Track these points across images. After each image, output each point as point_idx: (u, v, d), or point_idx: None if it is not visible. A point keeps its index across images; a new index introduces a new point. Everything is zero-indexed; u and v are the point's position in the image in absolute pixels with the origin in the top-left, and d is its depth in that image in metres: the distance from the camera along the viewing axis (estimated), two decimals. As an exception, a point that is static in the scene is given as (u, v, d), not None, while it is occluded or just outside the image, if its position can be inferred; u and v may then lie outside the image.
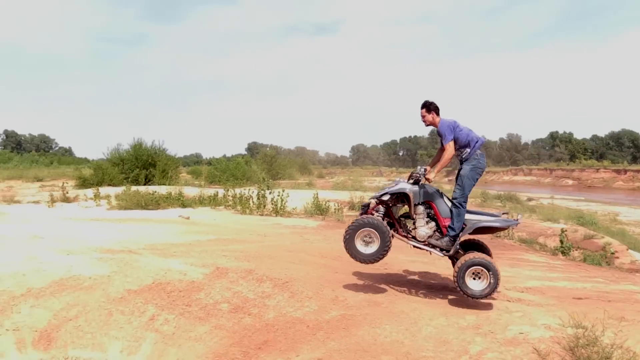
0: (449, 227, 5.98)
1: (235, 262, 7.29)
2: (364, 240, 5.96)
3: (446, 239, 6.01)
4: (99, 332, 4.56)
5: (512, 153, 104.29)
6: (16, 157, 71.07)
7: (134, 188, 17.79)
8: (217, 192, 16.89)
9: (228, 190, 16.26)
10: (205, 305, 5.30)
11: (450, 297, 6.21)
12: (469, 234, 6.05)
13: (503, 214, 6.24)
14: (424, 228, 6.09)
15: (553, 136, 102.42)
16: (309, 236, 10.19)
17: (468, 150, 6.14)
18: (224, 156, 57.03)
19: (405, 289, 6.50)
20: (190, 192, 18.26)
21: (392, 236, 6.04)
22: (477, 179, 6.17)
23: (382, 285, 6.55)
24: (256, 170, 30.53)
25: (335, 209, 14.78)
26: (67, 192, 17.44)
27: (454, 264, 6.08)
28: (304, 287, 6.11)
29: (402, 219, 6.36)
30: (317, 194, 16.04)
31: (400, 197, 6.18)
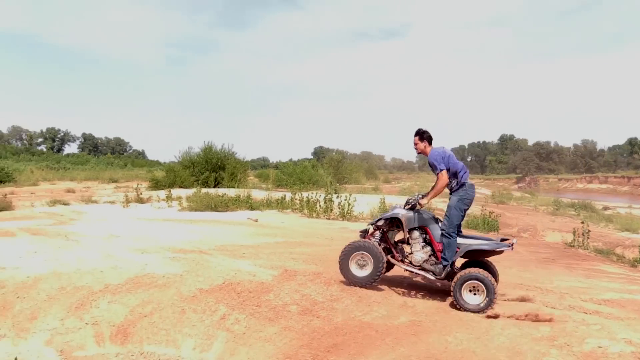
0: (442, 257, 6.17)
1: (303, 265, 7.34)
2: (358, 264, 6.28)
3: (440, 266, 6.18)
4: (172, 329, 4.67)
5: (586, 160, 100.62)
6: (93, 159, 74.24)
7: (204, 190, 18.20)
8: (285, 196, 17.06)
9: (295, 193, 16.40)
10: (274, 307, 5.35)
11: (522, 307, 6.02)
12: (462, 257, 6.21)
13: (502, 240, 6.28)
14: (419, 253, 6.31)
15: (632, 143, 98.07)
16: (376, 241, 10.14)
17: (456, 181, 6.27)
18: (291, 160, 57.63)
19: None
20: (258, 195, 18.53)
21: (388, 260, 6.33)
22: (464, 210, 6.31)
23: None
24: (323, 174, 30.65)
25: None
26: (141, 193, 18.02)
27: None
28: (372, 292, 6.08)
29: (399, 244, 6.60)
30: (383, 198, 15.97)
31: (395, 222, 6.46)
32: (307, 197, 15.41)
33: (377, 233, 6.51)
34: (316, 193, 15.87)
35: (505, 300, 6.24)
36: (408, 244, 6.47)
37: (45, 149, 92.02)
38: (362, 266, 6.28)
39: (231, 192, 17.90)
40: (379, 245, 6.36)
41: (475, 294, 5.85)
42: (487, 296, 5.75)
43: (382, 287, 6.38)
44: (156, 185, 23.79)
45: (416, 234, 6.37)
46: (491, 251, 6.15)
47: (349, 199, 14.25)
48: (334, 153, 48.23)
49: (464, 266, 6.35)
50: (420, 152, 6.53)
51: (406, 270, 6.40)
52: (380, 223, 6.50)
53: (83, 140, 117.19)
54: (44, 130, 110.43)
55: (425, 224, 6.37)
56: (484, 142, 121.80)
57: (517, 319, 5.42)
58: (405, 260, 6.40)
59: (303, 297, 5.68)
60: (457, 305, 5.86)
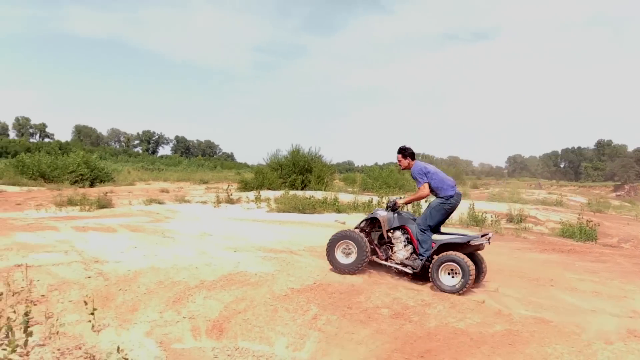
0: (418, 253, 6.63)
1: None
2: (343, 252, 6.73)
3: (418, 261, 6.60)
4: (266, 327, 4.72)
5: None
6: (185, 161, 77.14)
7: (291, 192, 18.44)
8: (372, 199, 16.99)
9: (382, 197, 16.29)
10: (365, 309, 5.30)
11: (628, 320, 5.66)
12: (437, 252, 6.45)
13: (483, 235, 6.54)
14: (402, 251, 6.76)
15: None
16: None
17: (438, 191, 6.73)
18: (376, 164, 57.36)
19: (573, 306, 6.03)
20: (345, 198, 18.55)
21: (371, 259, 6.78)
22: (443, 213, 6.72)
23: (550, 302, 6.13)
24: (409, 178, 30.29)
25: (492, 220, 14.23)
26: (231, 194, 18.47)
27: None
28: (464, 298, 5.91)
29: (383, 244, 7.00)
30: (472, 204, 15.55)
31: (376, 223, 6.98)
32: (394, 201, 15.26)
33: (363, 235, 6.87)
34: (403, 197, 15.69)
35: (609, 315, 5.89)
36: (391, 243, 6.93)
37: (141, 151, 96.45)
38: (347, 254, 6.71)
39: (318, 195, 18.02)
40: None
41: (452, 277, 6.20)
42: (462, 277, 6.10)
43: (473, 293, 6.19)
44: (245, 186, 24.33)
45: (398, 233, 6.85)
46: (467, 245, 6.42)
47: (438, 204, 13.98)
48: (419, 158, 47.59)
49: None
50: (405, 168, 7.06)
51: (387, 266, 6.84)
52: (362, 225, 7.05)
53: (176, 142, 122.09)
54: (140, 132, 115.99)
55: (405, 223, 6.85)
56: (578, 147, 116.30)
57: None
58: (390, 258, 6.84)
59: (394, 301, 5.59)
60: (434, 287, 6.25)
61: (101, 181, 27.62)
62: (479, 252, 6.67)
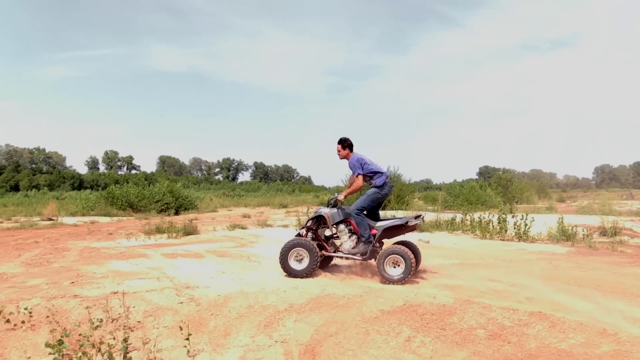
0: (360, 235, 7.39)
1: (484, 285, 7.00)
2: (296, 259, 7.34)
3: (362, 245, 7.37)
4: (359, 350, 4.62)
5: None
6: (264, 186, 78.60)
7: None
8: (455, 217, 16.60)
9: (466, 214, 15.88)
10: (460, 330, 5.11)
11: None
12: (381, 237, 7.41)
13: (416, 216, 7.57)
14: (348, 242, 7.51)
15: None
16: (560, 263, 9.39)
17: (375, 180, 7.54)
18: (455, 181, 56.23)
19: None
20: (427, 217, 18.22)
21: (322, 255, 7.48)
22: (376, 200, 7.60)
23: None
24: (491, 194, 29.51)
25: (583, 234, 13.54)
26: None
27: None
28: (564, 317, 5.59)
29: (330, 239, 7.79)
30: (562, 218, 14.88)
31: (322, 220, 7.66)
32: (478, 218, 14.84)
33: (309, 234, 7.69)
34: (488, 213, 15.23)
35: None
36: (337, 236, 7.70)
37: (221, 178, 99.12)
38: (299, 260, 7.34)
39: (399, 214, 17.80)
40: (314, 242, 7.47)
41: (396, 267, 7.03)
42: (405, 268, 6.95)
43: (573, 311, 5.85)
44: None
45: (342, 226, 7.56)
46: (405, 226, 7.33)
47: (525, 219, 13.46)
48: (500, 172, 46.13)
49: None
50: (343, 158, 7.70)
51: (338, 257, 7.66)
52: (309, 224, 7.69)
53: (255, 168, 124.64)
54: (220, 160, 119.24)
55: (348, 217, 7.55)
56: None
57: None
58: (338, 250, 7.60)
59: (489, 321, 5.36)
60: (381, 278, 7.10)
61: (185, 209, 28.49)
62: (417, 246, 7.79)
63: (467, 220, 15.48)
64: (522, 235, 13.28)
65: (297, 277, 7.25)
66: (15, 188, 66.34)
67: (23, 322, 5.16)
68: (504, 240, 13.37)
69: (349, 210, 7.54)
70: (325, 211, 7.62)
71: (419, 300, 6.04)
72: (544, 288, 6.95)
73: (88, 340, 4.24)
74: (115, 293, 6.36)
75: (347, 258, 7.56)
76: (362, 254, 7.34)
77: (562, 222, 14.20)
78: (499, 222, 14.03)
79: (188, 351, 4.46)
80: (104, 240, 13.39)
